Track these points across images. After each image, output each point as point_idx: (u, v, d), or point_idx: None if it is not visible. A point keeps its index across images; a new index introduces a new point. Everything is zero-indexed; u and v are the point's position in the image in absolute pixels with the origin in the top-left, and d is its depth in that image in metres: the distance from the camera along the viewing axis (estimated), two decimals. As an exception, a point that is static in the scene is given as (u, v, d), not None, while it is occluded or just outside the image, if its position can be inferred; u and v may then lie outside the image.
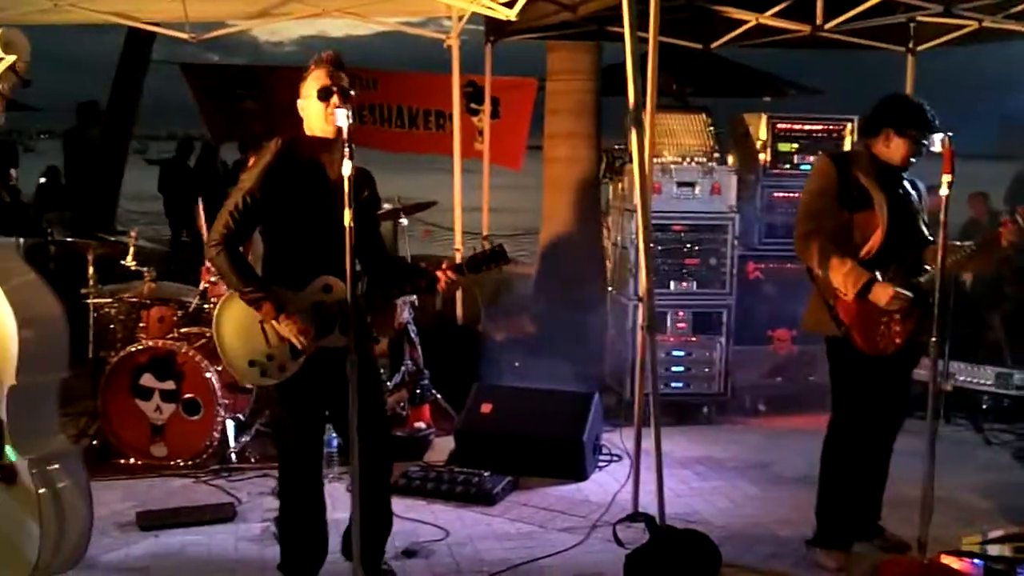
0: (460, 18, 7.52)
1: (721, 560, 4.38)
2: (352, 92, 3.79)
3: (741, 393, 7.12)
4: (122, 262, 6.15)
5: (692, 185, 6.80)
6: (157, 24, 7.63)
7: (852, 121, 7.15)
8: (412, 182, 15.16)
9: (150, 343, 5.73)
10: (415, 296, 6.65)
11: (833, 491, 4.51)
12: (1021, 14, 6.73)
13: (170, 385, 5.68)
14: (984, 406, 6.87)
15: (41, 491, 3.73)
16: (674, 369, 6.83)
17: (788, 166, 7.20)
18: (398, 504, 5.08)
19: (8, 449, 3.73)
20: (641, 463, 5.01)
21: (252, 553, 4.61)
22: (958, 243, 4.50)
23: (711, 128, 7.13)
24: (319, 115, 3.82)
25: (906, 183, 4.47)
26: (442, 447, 6.10)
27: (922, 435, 4.36)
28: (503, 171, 9.12)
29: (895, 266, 4.31)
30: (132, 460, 5.70)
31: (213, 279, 5.95)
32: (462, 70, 8.16)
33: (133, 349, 5.69)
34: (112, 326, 6.12)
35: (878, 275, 4.27)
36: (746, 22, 7.31)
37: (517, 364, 7.76)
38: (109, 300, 6.09)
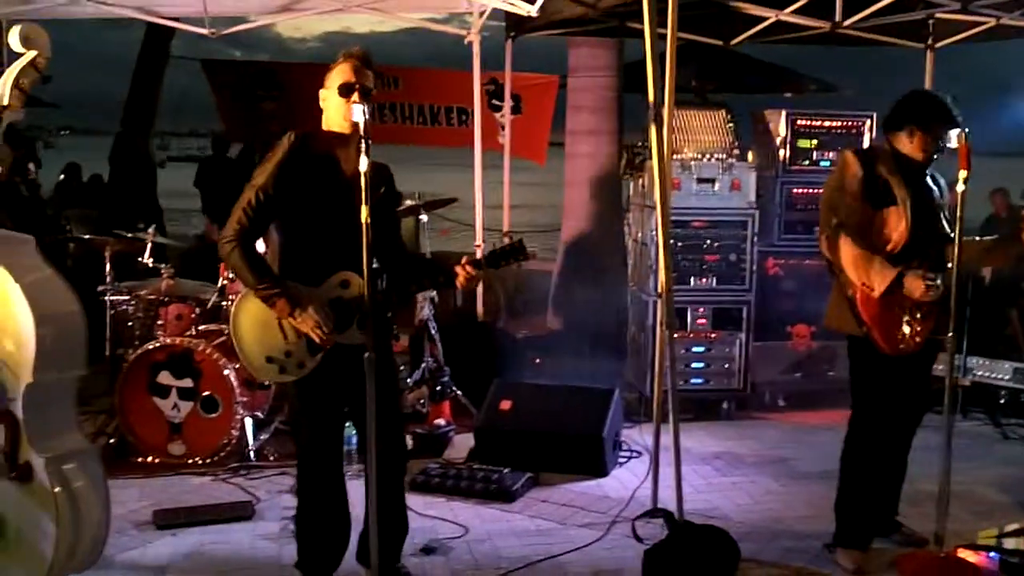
0: (481, 14, 7.51)
1: (740, 555, 4.36)
2: (373, 91, 3.77)
3: (760, 389, 7.09)
4: (139, 259, 6.17)
5: (712, 181, 6.77)
6: (177, 19, 7.63)
7: (871, 117, 7.11)
8: (433, 179, 15.22)
9: (167, 341, 5.73)
10: (435, 292, 6.65)
11: (853, 489, 4.47)
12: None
13: (188, 383, 5.69)
14: (1001, 401, 6.82)
15: (57, 490, 3.69)
16: (694, 365, 6.81)
17: (807, 162, 7.19)
18: (417, 501, 5.11)
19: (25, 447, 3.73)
20: (661, 459, 4.98)
21: (270, 552, 4.61)
22: (978, 238, 4.45)
23: (731, 124, 7.09)
24: (338, 109, 3.80)
25: (928, 179, 4.43)
26: (462, 444, 6.09)
27: (939, 430, 4.35)
28: (524, 168, 9.12)
29: (917, 263, 4.27)
30: (149, 458, 5.71)
31: (231, 276, 5.96)
32: (484, 67, 8.15)
33: (151, 347, 5.70)
34: (130, 323, 6.14)
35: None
36: (766, 19, 7.27)
37: (538, 361, 7.76)
38: (126, 297, 6.11)
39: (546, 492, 5.40)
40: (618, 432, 5.94)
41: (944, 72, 7.64)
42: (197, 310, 6.02)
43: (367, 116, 3.49)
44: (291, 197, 3.82)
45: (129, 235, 6.21)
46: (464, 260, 3.94)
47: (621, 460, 5.89)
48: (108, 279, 6.05)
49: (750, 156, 6.92)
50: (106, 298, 6.04)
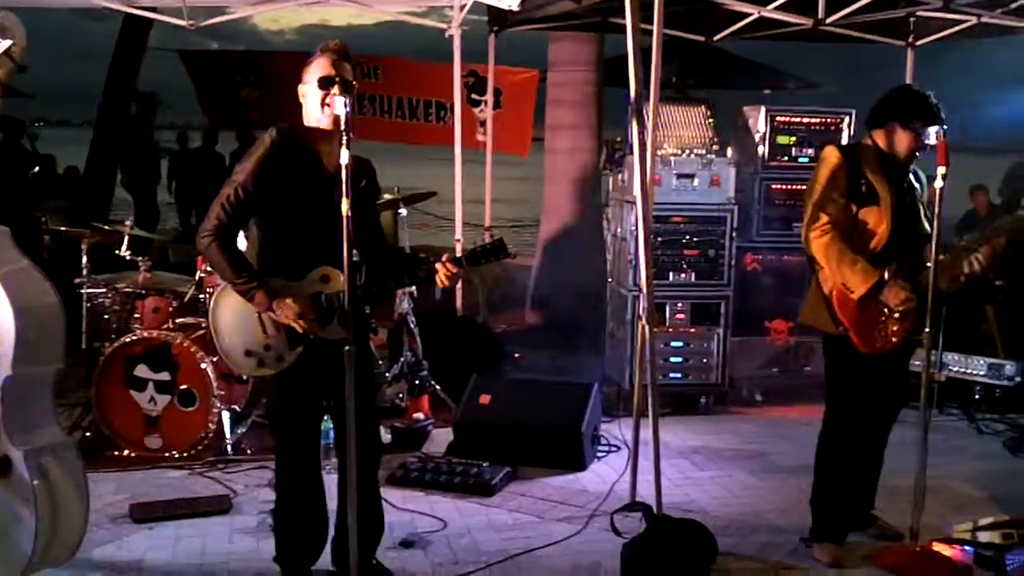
0: (462, 7, 7.48)
1: (718, 549, 4.38)
2: (354, 84, 3.75)
3: (739, 384, 7.13)
4: (116, 252, 6.13)
5: (691, 177, 6.79)
6: (154, 10, 7.57)
7: (850, 114, 7.14)
8: (412, 173, 15.17)
9: (145, 334, 5.70)
10: (414, 287, 6.64)
11: (829, 485, 4.50)
12: (1019, 9, 6.71)
13: (165, 376, 5.65)
14: (976, 396, 6.88)
15: (36, 483, 3.69)
16: (673, 360, 6.82)
17: (786, 159, 7.20)
18: (396, 495, 5.11)
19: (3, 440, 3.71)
20: (639, 453, 5.00)
21: (248, 545, 4.59)
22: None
23: (711, 120, 7.11)
24: (317, 103, 3.78)
25: (911, 176, 4.44)
26: (440, 438, 6.08)
27: (915, 425, 4.39)
28: (504, 162, 9.11)
29: (896, 264, 4.29)
30: (126, 452, 5.68)
31: (209, 269, 5.93)
32: (464, 60, 8.13)
33: (127, 340, 5.66)
34: (106, 316, 6.09)
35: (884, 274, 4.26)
36: (748, 15, 7.28)
37: (517, 355, 7.77)
38: (103, 290, 6.06)
39: (525, 486, 5.41)
40: (597, 426, 5.95)
41: (925, 70, 7.68)
42: (174, 303, 5.99)
43: (348, 109, 3.48)
44: (272, 193, 3.81)
45: (106, 227, 6.17)
46: (445, 258, 3.93)
47: (599, 454, 5.90)
48: (85, 272, 6.00)
49: (729, 152, 6.94)
50: (83, 291, 5.99)
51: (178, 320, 5.93)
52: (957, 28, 7.31)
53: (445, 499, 5.19)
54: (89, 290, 6.01)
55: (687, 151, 6.83)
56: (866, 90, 4.59)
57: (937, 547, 4.41)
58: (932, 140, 4.14)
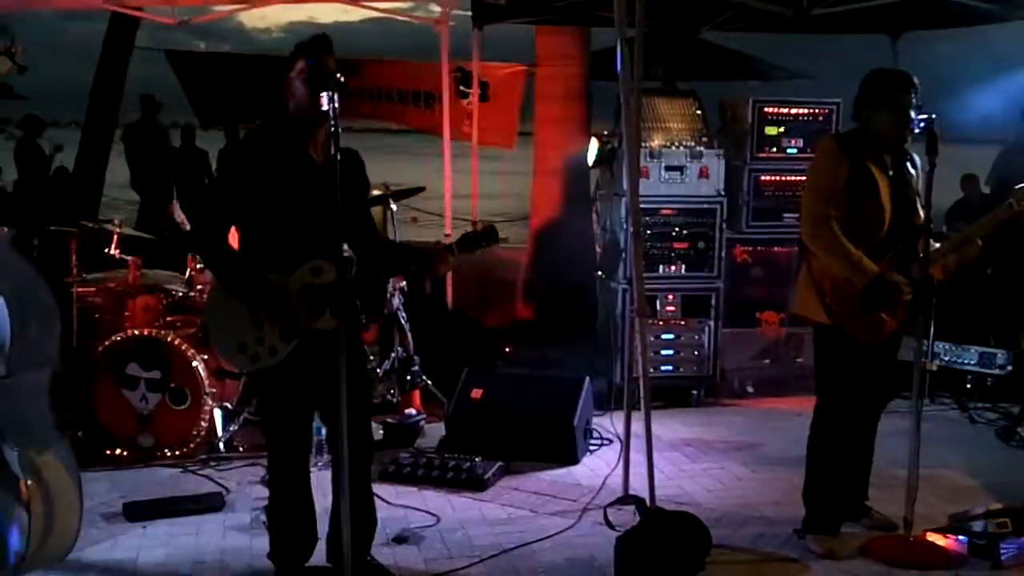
0: (448, 2, 7.48)
1: (711, 541, 4.38)
2: (339, 77, 3.75)
3: (730, 375, 7.15)
4: (106, 251, 6.11)
5: (680, 169, 6.79)
6: (142, 9, 7.55)
7: (838, 104, 7.14)
8: (400, 169, 15.17)
9: (135, 332, 5.67)
10: (405, 282, 6.64)
11: (821, 476, 4.51)
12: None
13: (156, 374, 5.63)
14: (968, 385, 6.90)
15: (29, 482, 3.69)
16: (663, 352, 6.82)
17: (775, 150, 7.19)
18: (388, 490, 5.11)
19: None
20: (632, 446, 5.01)
21: (241, 542, 4.59)
22: (937, 245, 4.44)
23: (699, 112, 7.12)
24: (303, 98, 3.78)
25: (907, 163, 4.45)
26: (433, 433, 6.09)
27: (907, 415, 4.40)
28: (492, 157, 9.11)
29: (891, 255, 4.30)
30: (118, 451, 5.66)
31: (199, 266, 5.93)
32: (451, 56, 8.11)
33: (118, 338, 5.64)
34: (97, 315, 6.08)
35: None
36: (733, 6, 7.28)
37: (507, 349, 7.77)
38: (93, 289, 6.05)
39: (517, 480, 5.41)
40: (589, 420, 5.96)
41: (911, 60, 7.70)
42: (165, 301, 5.97)
43: (336, 103, 3.48)
44: (259, 189, 3.81)
45: (95, 226, 6.15)
46: (439, 246, 3.94)
47: (592, 448, 5.91)
48: (75, 271, 5.98)
49: (717, 144, 6.94)
50: (73, 290, 5.96)
51: (169, 318, 5.91)
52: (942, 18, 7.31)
53: (438, 494, 5.19)
54: (79, 289, 5.99)
55: (676, 143, 6.83)
56: (852, 81, 4.59)
57: (931, 537, 4.44)
58: (918, 130, 4.18)
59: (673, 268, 6.83)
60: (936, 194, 4.38)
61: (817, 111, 7.17)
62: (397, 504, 4.99)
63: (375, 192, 6.69)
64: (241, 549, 4.52)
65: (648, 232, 6.65)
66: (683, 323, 6.86)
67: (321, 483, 4.28)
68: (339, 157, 3.47)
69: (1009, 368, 6.77)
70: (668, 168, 6.77)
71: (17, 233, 4.00)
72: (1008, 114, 11.27)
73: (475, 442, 5.65)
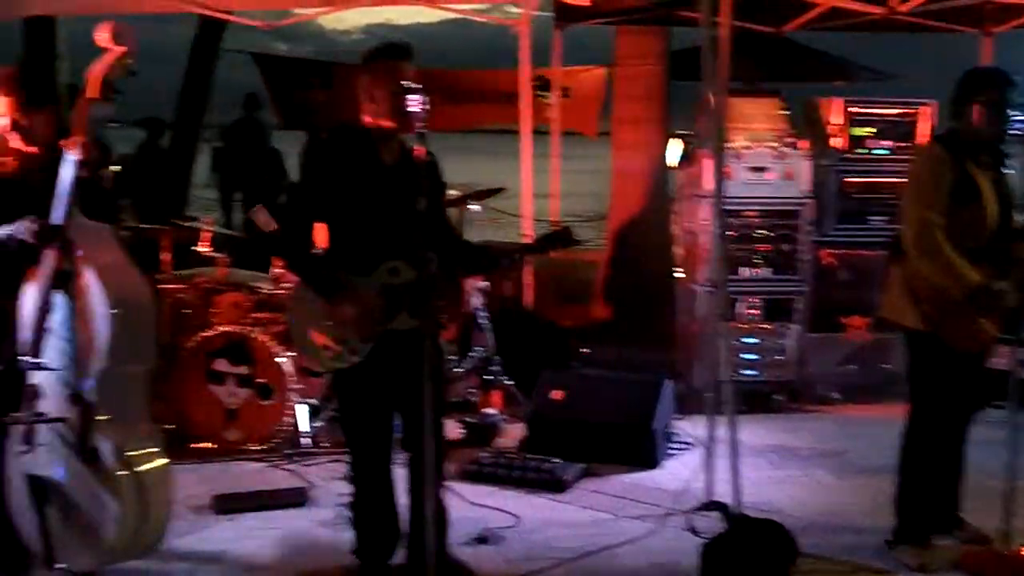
0: (529, 3, 7.48)
1: (798, 550, 4.31)
2: (418, 84, 3.78)
3: (814, 381, 7.02)
4: (194, 248, 6.23)
5: (764, 170, 6.71)
6: (231, 12, 7.68)
7: (930, 105, 6.99)
8: (475, 168, 15.22)
9: (224, 328, 5.79)
10: (485, 283, 6.66)
11: (914, 485, 4.40)
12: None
13: (243, 370, 5.74)
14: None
15: (123, 473, 3.79)
16: (745, 356, 6.74)
17: (863, 151, 7.07)
18: (468, 490, 5.12)
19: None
20: (713, 451, 4.95)
21: (326, 537, 4.64)
22: None
23: (783, 113, 7.02)
24: (385, 103, 3.84)
25: (1003, 163, 4.33)
26: (512, 433, 6.09)
27: (994, 424, 4.28)
28: (568, 156, 9.05)
29: (988, 263, 4.19)
30: (206, 444, 5.77)
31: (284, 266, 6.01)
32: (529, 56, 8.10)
33: (208, 334, 5.76)
34: (185, 311, 6.20)
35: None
36: (819, 5, 7.17)
37: (585, 350, 7.74)
38: (182, 285, 6.17)
39: (597, 482, 5.39)
40: (669, 423, 5.91)
41: (1004, 59, 7.50)
42: (252, 298, 6.07)
43: (425, 106, 3.51)
44: (334, 193, 3.88)
45: (186, 224, 6.28)
46: (514, 247, 3.95)
47: (672, 452, 5.86)
48: (165, 268, 6.10)
49: (802, 145, 6.84)
50: (163, 286, 6.09)
51: (255, 315, 6.01)
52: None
53: (517, 495, 5.19)
54: (169, 286, 6.11)
55: (760, 144, 6.75)
56: (942, 82, 4.50)
57: (1028, 552, 4.31)
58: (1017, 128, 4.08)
59: (756, 271, 6.74)
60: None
61: (908, 111, 7.03)
62: (477, 504, 4.99)
63: (452, 193, 6.73)
64: (326, 544, 4.56)
65: (731, 234, 6.58)
66: (766, 327, 6.77)
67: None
68: (420, 158, 3.52)
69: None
70: (752, 169, 6.70)
71: (119, 228, 4.10)
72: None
73: (555, 443, 5.63)
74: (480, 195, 7.11)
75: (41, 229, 3.83)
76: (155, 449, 3.99)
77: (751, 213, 6.70)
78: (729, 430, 4.59)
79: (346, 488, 4.69)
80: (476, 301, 6.68)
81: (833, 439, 6.21)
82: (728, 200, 6.31)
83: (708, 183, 6.56)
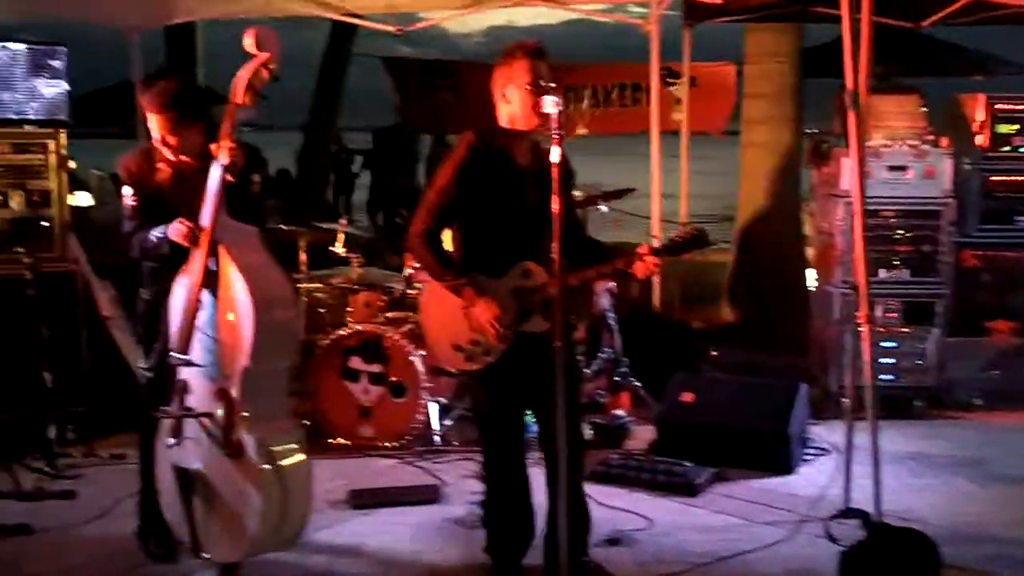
0: (660, 2, 7.44)
1: (941, 561, 4.16)
2: (553, 84, 3.78)
3: (955, 386, 6.78)
4: (331, 248, 6.38)
5: (904, 169, 6.52)
6: (364, 17, 7.85)
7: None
8: (604, 169, 15.17)
9: (359, 327, 5.90)
10: (613, 283, 6.64)
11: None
12: None
13: (377, 368, 5.85)
14: None
15: (266, 467, 3.89)
16: (883, 361, 6.54)
17: (1008, 149, 6.81)
18: (598, 491, 5.09)
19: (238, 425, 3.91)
20: (850, 458, 4.83)
21: (459, 535, 4.69)
22: None
23: (923, 110, 6.81)
24: (521, 104, 3.85)
25: None
26: (640, 435, 6.05)
27: None
28: (695, 157, 8.96)
29: None
30: (341, 440, 5.90)
31: (417, 265, 6.09)
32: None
33: (343, 333, 5.89)
34: (321, 310, 6.36)
35: None
36: (960, -1, 6.92)
37: (715, 353, 7.65)
38: (319, 285, 6.32)
39: (729, 487, 5.31)
40: (804, 428, 5.79)
41: None
42: (384, 298, 6.18)
43: (559, 107, 3.51)
44: (470, 194, 3.91)
45: (323, 226, 6.44)
46: (642, 250, 3.91)
47: (807, 457, 5.74)
48: (302, 268, 6.26)
49: (944, 142, 6.63)
50: (300, 286, 6.25)
51: (388, 314, 6.12)
52: None
53: (648, 497, 5.15)
54: (306, 285, 6.27)
55: (899, 142, 6.57)
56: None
57: None
58: None
59: (894, 273, 6.56)
60: None
61: (1058, 108, 6.74)
62: (608, 505, 4.96)
63: (576, 194, 6.73)
64: (458, 541, 4.62)
65: (868, 235, 6.39)
66: (905, 330, 6.58)
67: (533, 481, 4.31)
68: (552, 160, 3.51)
69: None
70: (890, 168, 6.51)
71: (264, 230, 4.23)
72: None
73: (685, 446, 5.58)
74: (610, 196, 7.10)
75: (190, 231, 3.99)
76: (296, 444, 4.10)
77: (889, 213, 6.52)
78: (870, 436, 4.46)
79: (477, 486, 4.75)
80: (604, 302, 6.68)
81: (974, 447, 5.99)
82: (866, 200, 6.16)
83: (845, 183, 6.41)
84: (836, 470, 5.17)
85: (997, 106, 6.80)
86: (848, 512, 4.68)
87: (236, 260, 3.94)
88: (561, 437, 3.49)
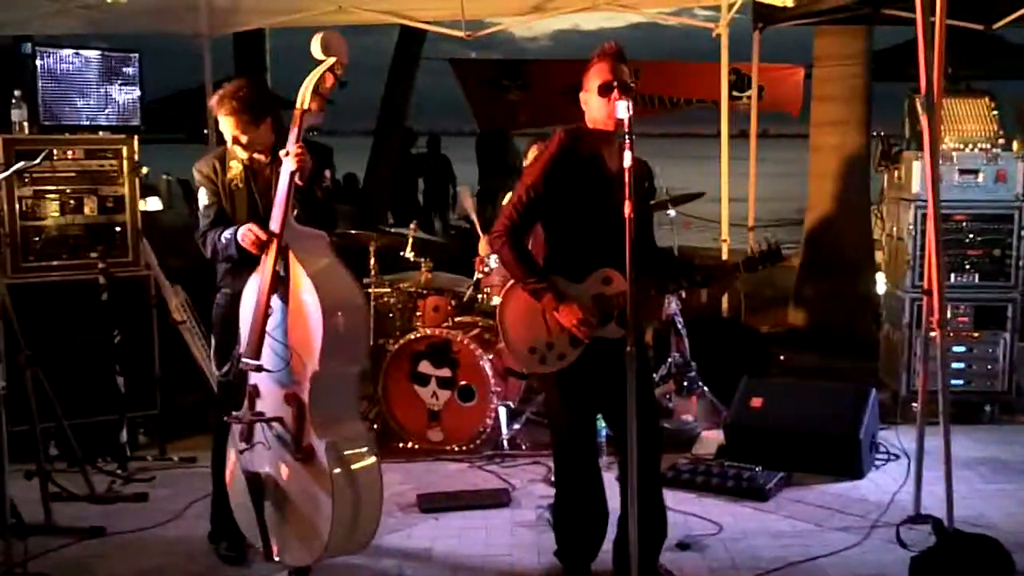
0: (730, 6, 7.43)
1: (1015, 568, 4.13)
2: (632, 85, 3.81)
3: (1027, 392, 6.68)
4: (401, 253, 6.46)
5: (975, 172, 6.44)
6: (436, 23, 7.94)
7: None
8: (671, 173, 15.11)
9: (428, 331, 5.97)
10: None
11: None
12: None
13: (446, 372, 5.90)
14: None
15: (336, 471, 3.92)
16: (954, 366, 6.46)
17: (1082, 152, 6.67)
18: (667, 496, 5.03)
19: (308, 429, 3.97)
20: (921, 463, 4.79)
21: (528, 539, 4.72)
22: None
23: (995, 113, 6.71)
24: (600, 108, 3.88)
25: None
26: (709, 440, 6.04)
27: None
28: (762, 159, 8.90)
29: None
30: (410, 444, 5.97)
31: (486, 270, 6.16)
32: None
33: (413, 337, 5.95)
34: (390, 314, 6.44)
35: None
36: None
37: (782, 357, 7.61)
38: (388, 290, 6.41)
39: (800, 492, 5.29)
40: (875, 433, 5.74)
41: None
42: (453, 302, 6.25)
43: (631, 112, 3.54)
44: (558, 194, 3.93)
45: (392, 230, 6.52)
46: (725, 264, 3.93)
47: (878, 462, 5.70)
48: (372, 272, 6.35)
49: (1016, 146, 6.53)
50: (370, 290, 6.34)
51: (456, 319, 6.18)
52: None
53: (717, 502, 5.15)
54: (375, 290, 6.36)
55: (970, 145, 6.49)
56: None
57: None
58: None
59: (965, 277, 6.48)
60: None
61: None
62: (677, 510, 4.94)
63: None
64: (528, 545, 4.65)
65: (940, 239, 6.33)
66: (976, 335, 6.49)
67: (608, 486, 4.34)
68: (633, 166, 3.52)
69: None
70: (962, 172, 6.43)
71: (333, 235, 4.28)
72: None
73: (755, 451, 5.56)
74: (679, 200, 7.10)
75: (258, 239, 4.02)
76: (366, 448, 4.12)
77: (960, 217, 6.44)
78: (943, 442, 4.42)
79: (546, 490, 4.80)
80: (673, 307, 6.68)
81: (1047, 454, 5.90)
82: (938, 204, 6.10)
83: (916, 186, 6.36)
84: (906, 475, 5.14)
85: (1073, 108, 6.67)
86: (919, 518, 4.65)
87: (305, 265, 3.97)
88: (633, 442, 3.49)
